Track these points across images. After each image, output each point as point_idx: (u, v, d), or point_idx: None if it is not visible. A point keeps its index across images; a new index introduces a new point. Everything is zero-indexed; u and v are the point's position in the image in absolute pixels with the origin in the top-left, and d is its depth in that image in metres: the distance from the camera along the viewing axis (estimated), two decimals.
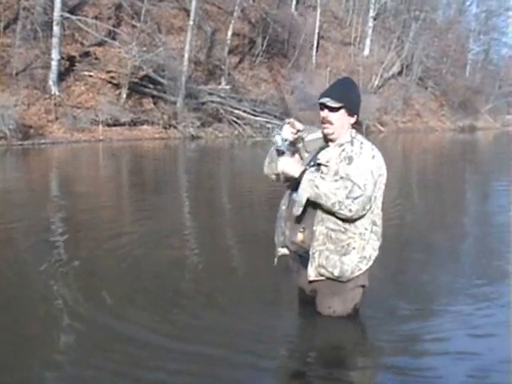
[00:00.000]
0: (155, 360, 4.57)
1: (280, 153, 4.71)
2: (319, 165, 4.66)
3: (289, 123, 4.76)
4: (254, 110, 37.01)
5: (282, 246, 4.98)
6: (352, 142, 4.64)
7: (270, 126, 34.27)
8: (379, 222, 4.79)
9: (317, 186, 4.44)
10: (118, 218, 11.45)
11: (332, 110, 4.64)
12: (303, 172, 4.57)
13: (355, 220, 4.59)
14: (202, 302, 5.93)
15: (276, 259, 5.05)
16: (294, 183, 4.71)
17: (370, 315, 5.31)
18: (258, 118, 36.73)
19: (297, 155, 4.80)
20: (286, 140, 4.70)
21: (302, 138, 4.83)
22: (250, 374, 4.45)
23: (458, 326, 5.32)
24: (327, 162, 4.63)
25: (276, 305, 5.79)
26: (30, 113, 28.62)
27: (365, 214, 4.58)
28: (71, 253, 8.09)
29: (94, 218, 11.08)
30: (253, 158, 26.24)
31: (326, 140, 4.79)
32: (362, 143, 4.65)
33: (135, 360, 4.59)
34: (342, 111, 4.64)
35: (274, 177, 4.95)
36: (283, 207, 4.95)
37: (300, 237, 4.76)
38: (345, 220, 4.58)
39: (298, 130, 4.77)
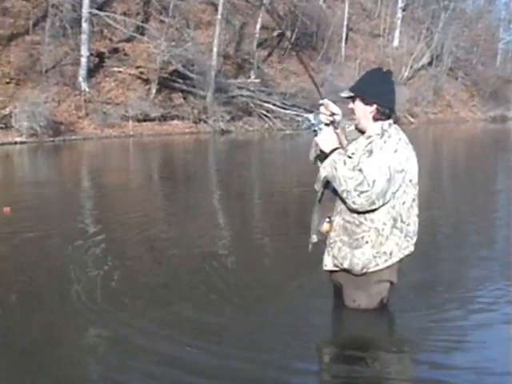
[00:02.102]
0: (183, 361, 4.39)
1: (314, 133, 4.64)
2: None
3: (322, 104, 4.65)
4: (284, 104, 36.59)
5: (316, 234, 4.90)
6: (382, 135, 4.53)
7: (299, 118, 34.16)
8: (409, 219, 4.63)
9: (336, 168, 4.43)
10: (147, 208, 11.28)
11: (353, 100, 4.66)
12: (334, 150, 4.53)
13: (371, 214, 4.52)
14: (226, 297, 5.73)
15: (310, 246, 4.94)
16: (322, 158, 4.66)
17: (400, 308, 5.13)
18: (287, 111, 36.30)
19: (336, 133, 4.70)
20: (320, 122, 4.61)
21: (338, 122, 4.75)
22: (275, 373, 4.23)
23: (492, 322, 5.04)
24: (352, 153, 4.58)
25: (305, 298, 5.61)
26: (61, 109, 28.55)
27: (378, 209, 4.48)
28: (100, 242, 8.01)
29: (123, 209, 11.05)
30: (283, 151, 26.04)
31: (360, 131, 4.75)
32: (389, 137, 4.52)
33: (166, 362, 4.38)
34: (358, 101, 4.63)
35: (316, 163, 4.92)
36: (319, 195, 4.89)
37: (326, 227, 4.77)
38: (360, 213, 4.52)
39: (333, 113, 4.65)
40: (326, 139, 4.57)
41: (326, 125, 4.59)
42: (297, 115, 35.30)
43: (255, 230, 9.18)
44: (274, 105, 36.18)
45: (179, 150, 26.39)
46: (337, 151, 4.51)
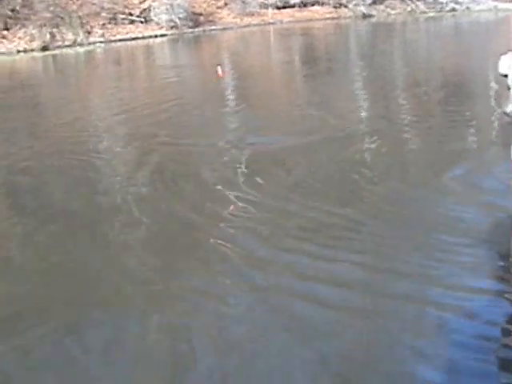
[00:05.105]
0: None
1: None
2: None
3: None
4: None
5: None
6: None
7: (443, 0, 31.31)
8: None
9: None
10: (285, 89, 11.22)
11: None
12: None
13: None
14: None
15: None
16: None
17: None
18: None
19: None
20: None
21: None
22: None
23: None
24: None
25: None
26: (199, 0, 26.98)
27: None
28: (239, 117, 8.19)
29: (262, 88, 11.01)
30: (427, 35, 23.80)
31: None
32: None
33: None
34: None
35: None
36: None
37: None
38: None
39: None
40: None
41: None
42: None
43: (396, 117, 8.17)
44: None
45: (321, 34, 24.63)
46: None
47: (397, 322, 3.24)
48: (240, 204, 5.01)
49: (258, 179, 5.52)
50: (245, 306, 3.54)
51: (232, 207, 4.96)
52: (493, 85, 8.80)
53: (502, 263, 3.71)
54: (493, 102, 7.78)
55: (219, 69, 6.97)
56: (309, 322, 3.28)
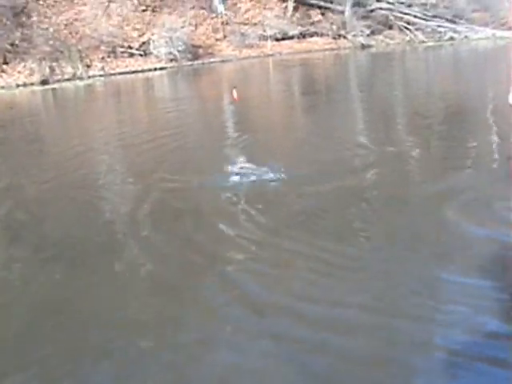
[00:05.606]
0: None
1: None
2: None
3: None
4: (425, 15, 33.49)
5: None
6: None
7: (441, 29, 31.40)
8: None
9: None
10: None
11: None
12: None
13: None
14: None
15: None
16: None
17: None
18: (429, 23, 33.18)
19: None
20: None
21: None
22: None
23: None
24: None
25: None
26: (198, 33, 27.11)
27: None
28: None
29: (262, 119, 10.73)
30: (425, 64, 23.77)
31: None
32: None
33: None
34: None
35: None
36: None
37: None
38: None
39: None
40: None
41: None
42: (438, 26, 32.35)
43: (396, 148, 7.88)
44: (415, 16, 33.07)
45: (320, 65, 24.58)
46: None
47: (403, 368, 3.04)
48: (241, 244, 4.79)
49: (259, 217, 5.31)
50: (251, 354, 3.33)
51: (233, 247, 4.78)
52: (493, 114, 8.66)
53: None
54: (494, 132, 7.61)
55: (235, 92, 6.81)
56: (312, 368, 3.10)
